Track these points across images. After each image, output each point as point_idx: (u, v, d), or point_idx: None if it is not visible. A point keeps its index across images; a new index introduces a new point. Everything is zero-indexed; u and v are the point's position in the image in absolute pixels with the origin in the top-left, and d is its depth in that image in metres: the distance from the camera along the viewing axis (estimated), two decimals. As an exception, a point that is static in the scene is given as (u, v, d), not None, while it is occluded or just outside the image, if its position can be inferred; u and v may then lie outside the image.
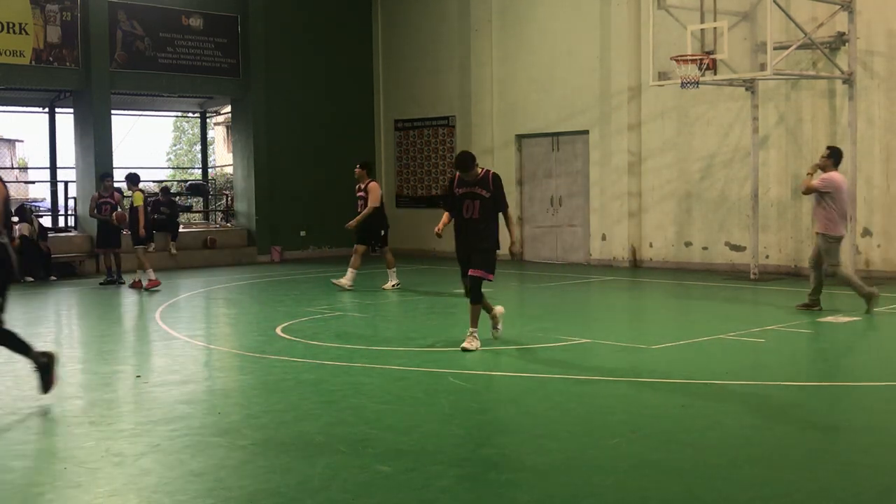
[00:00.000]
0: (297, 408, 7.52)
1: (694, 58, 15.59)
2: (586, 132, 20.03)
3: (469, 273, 9.85)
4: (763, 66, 15.53)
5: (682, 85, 15.69)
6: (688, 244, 18.63)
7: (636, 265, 19.20)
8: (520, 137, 21.34)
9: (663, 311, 13.71)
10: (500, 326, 10.48)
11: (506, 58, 21.34)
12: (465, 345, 9.86)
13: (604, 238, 19.78)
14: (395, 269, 16.01)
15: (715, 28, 15.83)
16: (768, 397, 7.85)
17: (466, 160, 9.92)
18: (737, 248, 17.83)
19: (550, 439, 6.50)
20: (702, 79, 15.61)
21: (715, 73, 15.75)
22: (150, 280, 16.12)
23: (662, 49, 16.35)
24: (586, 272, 18.44)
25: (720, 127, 18.02)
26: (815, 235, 12.71)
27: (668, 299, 14.89)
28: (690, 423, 6.95)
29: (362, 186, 15.93)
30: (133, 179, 16.92)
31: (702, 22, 16.14)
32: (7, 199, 7.97)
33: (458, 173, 9.95)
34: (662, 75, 16.35)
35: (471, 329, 9.93)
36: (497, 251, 9.95)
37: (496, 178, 9.93)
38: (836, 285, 12.75)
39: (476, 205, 9.81)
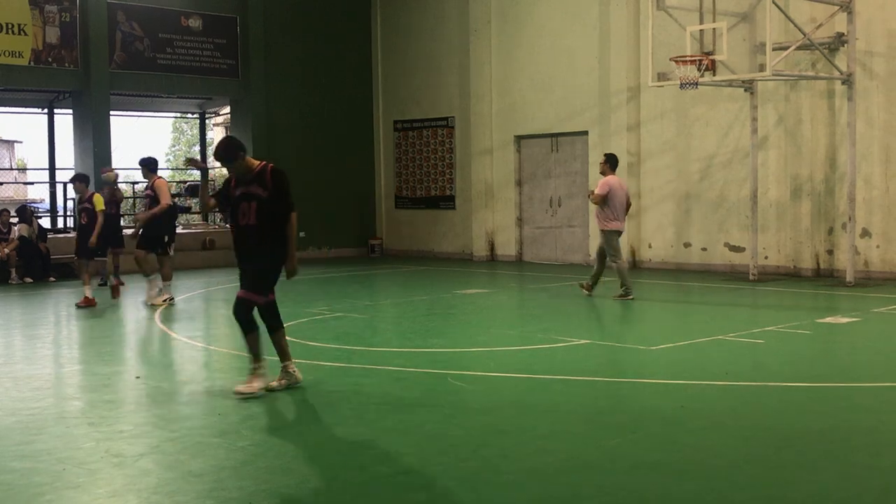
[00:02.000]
0: (296, 409, 7.51)
1: (693, 58, 15.58)
2: (585, 133, 20.03)
3: (238, 297, 7.97)
4: (762, 67, 15.52)
5: (682, 86, 15.67)
6: (687, 245, 18.63)
7: (635, 266, 19.19)
8: (519, 138, 21.34)
9: (663, 312, 13.71)
10: (283, 382, 8.08)
11: (505, 59, 21.35)
12: (240, 387, 7.87)
13: (603, 239, 19.74)
14: (170, 283, 14.44)
15: (714, 29, 15.82)
16: (767, 398, 7.85)
17: (226, 149, 7.89)
18: (736, 248, 17.83)
19: (550, 440, 6.50)
20: (701, 80, 15.60)
21: (714, 74, 15.73)
22: (85, 297, 14.07)
23: (661, 50, 16.33)
24: (586, 273, 18.38)
25: (719, 128, 18.03)
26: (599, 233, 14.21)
27: (668, 300, 14.89)
28: (690, 423, 6.95)
29: (150, 184, 14.44)
30: (85, 180, 14.90)
31: (701, 23, 16.11)
32: None
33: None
34: (661, 76, 16.33)
35: (253, 364, 8.01)
36: (280, 267, 8.00)
37: (276, 173, 7.88)
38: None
39: (252, 207, 7.81)
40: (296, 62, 22.80)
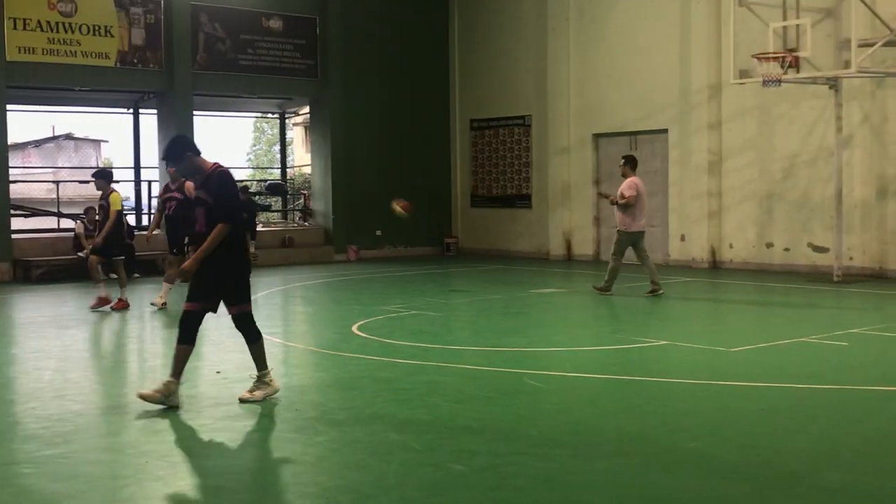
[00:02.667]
0: (371, 405, 7.56)
1: (776, 55, 15.32)
2: (665, 131, 19.80)
3: (231, 314, 7.68)
4: (847, 64, 15.19)
5: (764, 83, 15.44)
6: (769, 245, 18.30)
7: (716, 266, 18.93)
8: (597, 136, 21.18)
9: (743, 313, 13.49)
10: (158, 395, 7.38)
11: (583, 56, 21.21)
12: (245, 394, 7.67)
13: (683, 238, 19.52)
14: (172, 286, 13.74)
15: (798, 25, 15.54)
16: (851, 402, 7.68)
17: (169, 147, 7.57)
18: (820, 249, 17.45)
19: (627, 441, 6.44)
20: (784, 77, 15.33)
21: (798, 71, 15.46)
22: (100, 297, 13.49)
23: (743, 47, 16.10)
24: (665, 273, 18.18)
25: (803, 126, 17.67)
26: (616, 231, 14.39)
27: (749, 301, 14.64)
28: (771, 427, 6.83)
29: (179, 184, 13.31)
30: (108, 177, 14.13)
31: (784, 19, 15.85)
32: None
33: None
34: (743, 73, 16.09)
35: (258, 373, 7.77)
36: (243, 271, 7.60)
37: (221, 177, 7.46)
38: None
39: (202, 214, 7.43)
40: (374, 62, 22.95)
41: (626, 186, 14.13)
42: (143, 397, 7.32)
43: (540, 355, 9.86)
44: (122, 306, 13.57)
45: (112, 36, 19.50)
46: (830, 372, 8.90)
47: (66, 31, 18.92)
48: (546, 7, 21.66)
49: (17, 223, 19.85)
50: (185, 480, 5.72)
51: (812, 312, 12.97)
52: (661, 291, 14.22)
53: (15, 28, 18.37)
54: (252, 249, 20.90)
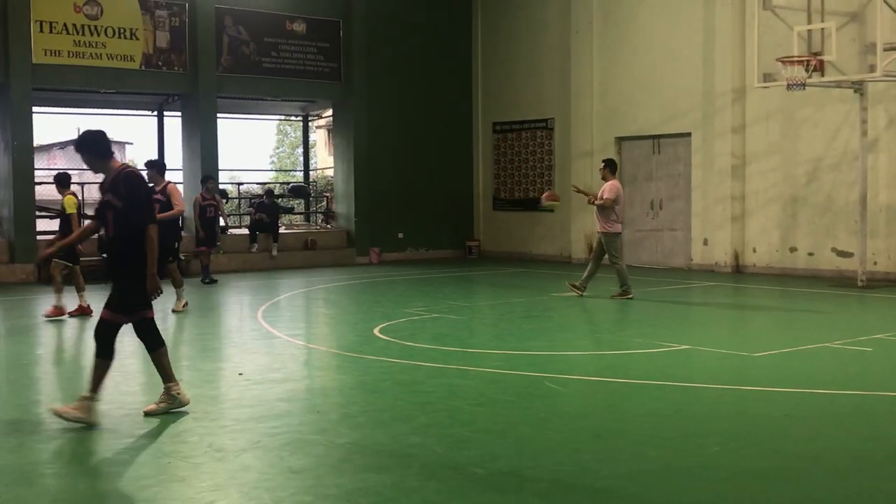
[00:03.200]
0: (393, 408, 7.57)
1: (800, 59, 15.25)
2: (688, 134, 19.73)
3: (100, 314, 7.22)
4: (872, 68, 15.10)
5: (788, 87, 15.37)
6: (793, 250, 18.20)
7: (739, 271, 18.84)
8: (620, 140, 21.13)
9: (766, 317, 13.42)
10: (163, 405, 7.31)
11: (607, 59, 21.17)
12: (58, 407, 7.11)
13: (705, 243, 19.45)
14: (183, 288, 13.92)
15: (822, 29, 15.45)
16: (875, 407, 7.63)
17: (77, 139, 7.23)
18: (844, 254, 17.34)
19: (648, 446, 6.42)
20: (808, 80, 15.25)
21: (822, 75, 15.37)
22: (54, 307, 13.04)
23: (768, 50, 16.03)
24: (687, 277, 18.16)
25: (827, 130, 17.56)
26: (597, 234, 14.70)
27: (772, 306, 14.55)
28: (794, 432, 6.79)
29: (161, 188, 12.95)
30: (63, 181, 13.30)
31: (809, 22, 15.77)
32: None
33: None
34: (768, 77, 16.02)
35: (86, 394, 7.04)
36: (140, 284, 7.10)
37: (129, 178, 7.11)
38: None
39: (109, 218, 7.12)
40: (397, 65, 23.00)
41: (608, 189, 14.40)
42: (149, 412, 7.25)
43: (561, 359, 9.85)
44: (77, 313, 13.12)
45: (137, 39, 19.63)
46: (854, 378, 8.84)
47: (91, 34, 19.07)
48: (569, 10, 21.65)
49: (41, 224, 19.99)
50: (206, 482, 5.75)
51: (836, 317, 12.88)
52: (581, 295, 14.57)
53: (41, 31, 18.54)
54: (274, 252, 21.05)
